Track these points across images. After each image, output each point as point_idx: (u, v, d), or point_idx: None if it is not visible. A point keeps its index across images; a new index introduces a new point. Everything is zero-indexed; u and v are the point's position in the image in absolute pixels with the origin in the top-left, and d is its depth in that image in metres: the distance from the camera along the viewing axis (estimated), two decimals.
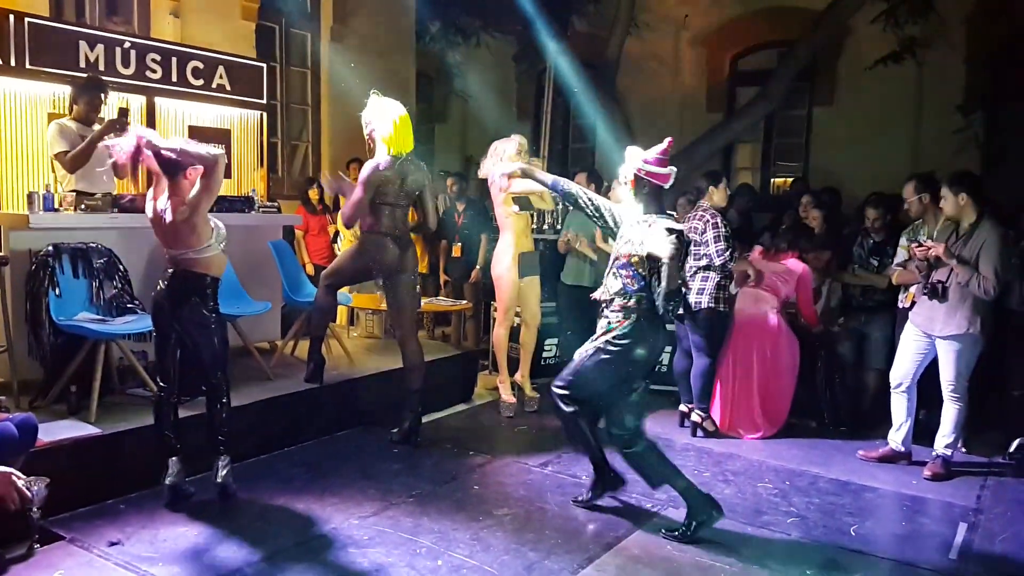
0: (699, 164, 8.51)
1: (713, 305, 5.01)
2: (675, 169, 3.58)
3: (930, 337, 4.48)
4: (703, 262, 5.02)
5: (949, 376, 4.42)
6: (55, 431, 3.71)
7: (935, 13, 8.07)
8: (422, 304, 6.53)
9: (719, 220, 5.03)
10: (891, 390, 4.70)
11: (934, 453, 4.54)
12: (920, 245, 4.39)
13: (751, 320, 5.16)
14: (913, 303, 4.59)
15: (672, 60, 10.97)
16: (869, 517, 3.95)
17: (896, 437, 4.70)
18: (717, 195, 5.12)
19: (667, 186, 3.57)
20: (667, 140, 3.59)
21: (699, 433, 5.13)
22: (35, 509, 3.18)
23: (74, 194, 4.58)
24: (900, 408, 4.68)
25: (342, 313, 7.18)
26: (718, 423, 5.18)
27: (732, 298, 5.15)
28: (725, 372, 5.19)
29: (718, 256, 4.95)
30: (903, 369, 4.63)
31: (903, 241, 4.84)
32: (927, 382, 4.62)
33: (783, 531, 3.73)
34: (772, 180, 10.61)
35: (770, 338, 5.15)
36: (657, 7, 10.09)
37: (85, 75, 5.10)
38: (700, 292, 5.05)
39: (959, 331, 4.34)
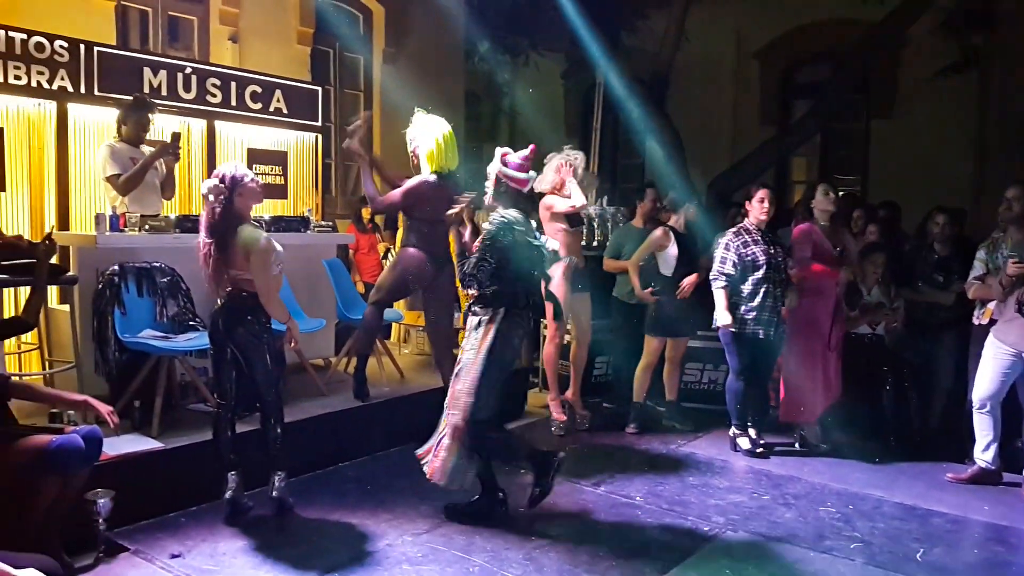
0: (752, 178, 8.39)
1: (724, 324, 4.92)
2: (534, 175, 3.87)
3: (1021, 356, 4.34)
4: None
5: None
6: (119, 445, 3.80)
7: (997, 21, 7.85)
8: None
9: (724, 240, 4.97)
10: (975, 410, 4.55)
11: None
12: (1020, 262, 4.23)
13: (813, 306, 5.03)
14: (992, 320, 4.45)
15: (724, 73, 10.89)
16: (938, 543, 3.80)
17: (985, 456, 4.55)
18: (753, 210, 5.02)
19: (525, 190, 3.88)
20: (530, 147, 3.86)
21: (737, 449, 5.07)
22: (101, 521, 3.28)
23: (139, 215, 4.72)
24: (986, 427, 4.53)
25: (395, 331, 7.25)
26: (779, 414, 5.22)
27: (769, 320, 4.92)
28: (789, 361, 5.11)
29: (712, 273, 4.95)
30: (989, 389, 4.47)
31: (980, 255, 4.67)
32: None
33: (846, 556, 3.61)
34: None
35: (821, 321, 5.04)
36: (709, 20, 10.02)
37: (132, 96, 5.21)
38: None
39: None
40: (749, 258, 4.88)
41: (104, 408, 3.23)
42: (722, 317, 4.88)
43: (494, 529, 3.76)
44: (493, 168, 3.88)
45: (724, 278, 4.90)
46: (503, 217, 3.77)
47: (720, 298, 4.91)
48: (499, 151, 3.89)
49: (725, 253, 4.94)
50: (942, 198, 6.19)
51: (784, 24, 10.34)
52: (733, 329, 4.89)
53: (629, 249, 5.67)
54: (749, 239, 4.93)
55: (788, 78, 10.96)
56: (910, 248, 5.84)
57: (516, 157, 3.82)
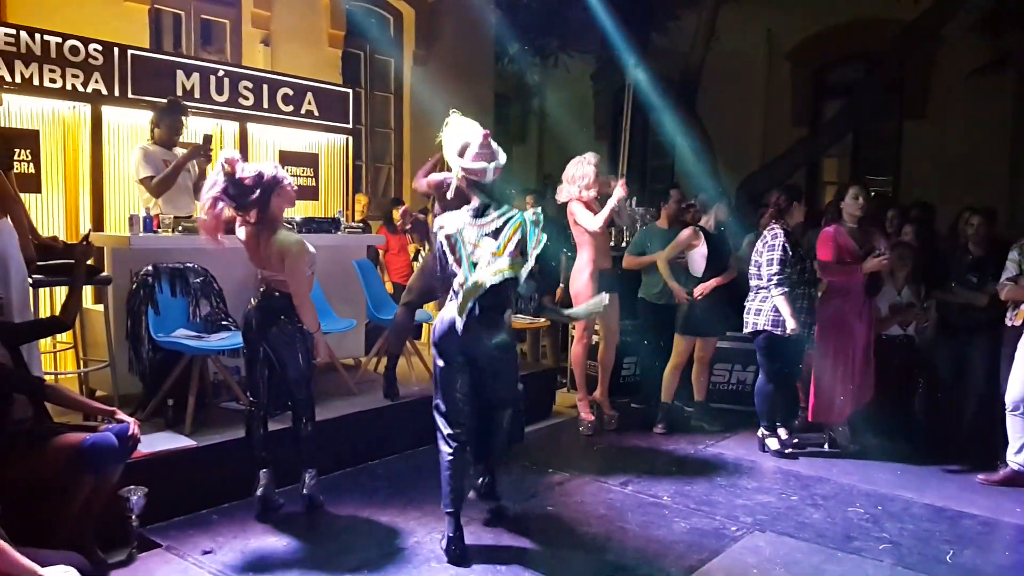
0: (783, 179, 8.32)
1: (769, 328, 4.81)
2: (493, 165, 3.45)
3: None
4: (761, 281, 4.82)
5: None
6: (153, 443, 3.86)
7: None
8: None
9: (781, 241, 4.78)
10: (1007, 413, 4.49)
11: None
12: None
13: (841, 308, 4.99)
14: None
15: (755, 73, 10.81)
16: (968, 545, 3.75)
17: (1017, 458, 4.48)
18: (798, 212, 4.94)
19: (485, 180, 3.46)
20: (483, 133, 3.49)
21: (766, 449, 5.03)
22: (134, 517, 3.34)
23: (172, 217, 4.80)
24: (1018, 429, 4.46)
25: (425, 331, 7.29)
26: (808, 415, 5.13)
27: (806, 322, 4.87)
28: (819, 362, 5.04)
29: (768, 279, 4.77)
30: (1022, 391, 4.40)
31: (1013, 255, 4.59)
32: None
33: (875, 557, 3.57)
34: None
35: (850, 321, 4.99)
36: (740, 20, 9.94)
37: (165, 99, 5.30)
38: (757, 313, 4.89)
39: None
40: (799, 261, 4.83)
41: (130, 421, 3.27)
42: (790, 323, 4.71)
43: (521, 528, 3.77)
44: (454, 170, 3.57)
45: (787, 283, 4.74)
46: (439, 223, 3.49)
47: (783, 304, 4.72)
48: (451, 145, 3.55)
49: (784, 255, 4.75)
50: (976, 198, 6.09)
51: (816, 24, 10.23)
52: (778, 333, 4.77)
53: (654, 250, 5.65)
54: (792, 241, 4.87)
55: (820, 78, 10.84)
56: (944, 249, 5.75)
57: (471, 152, 3.47)
